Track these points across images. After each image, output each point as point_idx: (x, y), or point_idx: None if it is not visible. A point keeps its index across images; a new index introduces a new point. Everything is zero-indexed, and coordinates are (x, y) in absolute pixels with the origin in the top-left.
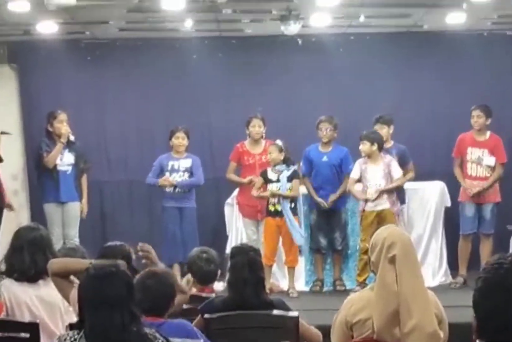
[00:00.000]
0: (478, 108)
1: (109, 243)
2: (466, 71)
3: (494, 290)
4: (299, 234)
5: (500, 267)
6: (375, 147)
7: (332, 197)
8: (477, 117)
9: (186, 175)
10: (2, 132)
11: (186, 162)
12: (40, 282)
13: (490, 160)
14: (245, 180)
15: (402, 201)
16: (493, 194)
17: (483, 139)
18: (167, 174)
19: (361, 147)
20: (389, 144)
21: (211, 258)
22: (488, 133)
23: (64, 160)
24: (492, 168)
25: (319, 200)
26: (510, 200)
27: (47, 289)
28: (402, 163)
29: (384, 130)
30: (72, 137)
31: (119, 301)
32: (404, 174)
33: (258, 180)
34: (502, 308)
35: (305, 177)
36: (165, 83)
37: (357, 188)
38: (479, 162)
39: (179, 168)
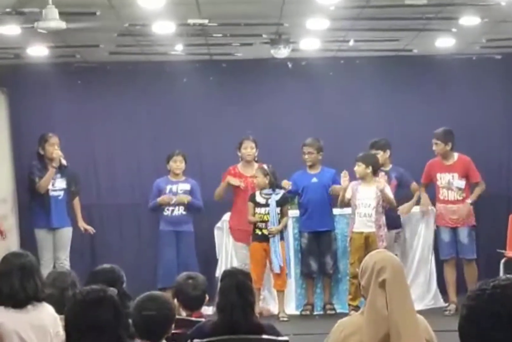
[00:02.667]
0: (435, 136)
1: (99, 267)
2: (455, 95)
3: (479, 317)
4: (278, 263)
5: (483, 293)
6: (369, 169)
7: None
8: (436, 146)
9: None
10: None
11: (184, 186)
12: (29, 307)
13: (460, 183)
14: (224, 183)
15: (397, 225)
16: (468, 217)
17: (452, 163)
18: None
19: (356, 168)
20: (387, 167)
21: (197, 284)
22: (456, 156)
23: (56, 186)
24: (464, 191)
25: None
26: (497, 224)
27: (37, 314)
28: (403, 186)
29: (379, 156)
30: (64, 162)
31: (106, 327)
32: (407, 195)
33: (249, 205)
34: (488, 335)
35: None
36: (155, 107)
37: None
38: (450, 187)
39: (177, 191)
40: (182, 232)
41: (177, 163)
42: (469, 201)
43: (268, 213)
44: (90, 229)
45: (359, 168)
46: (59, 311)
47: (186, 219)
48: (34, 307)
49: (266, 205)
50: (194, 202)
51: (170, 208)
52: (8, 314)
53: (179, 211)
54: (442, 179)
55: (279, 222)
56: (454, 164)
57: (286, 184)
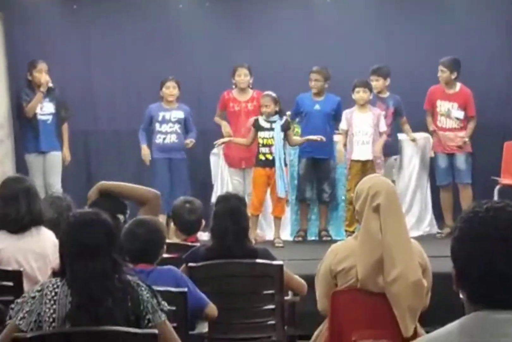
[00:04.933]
0: (441, 64)
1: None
2: (455, 21)
3: (471, 239)
4: (284, 187)
5: (475, 216)
6: (371, 96)
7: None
8: (441, 72)
9: (177, 126)
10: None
11: (177, 113)
12: (31, 232)
13: (459, 113)
14: (226, 138)
15: (396, 151)
16: (465, 144)
17: (453, 92)
18: (157, 124)
19: (360, 95)
20: (385, 94)
21: (194, 208)
22: (458, 86)
23: (45, 110)
24: (462, 121)
25: (315, 137)
26: (492, 152)
27: (38, 240)
28: (398, 114)
29: (380, 82)
30: (51, 84)
31: (99, 249)
32: (402, 125)
33: (252, 131)
34: (480, 257)
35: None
36: (152, 34)
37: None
38: (448, 115)
39: (171, 118)
40: (175, 159)
41: (170, 90)
42: (466, 139)
43: (273, 137)
44: (67, 160)
45: (365, 95)
46: (55, 235)
47: (178, 146)
48: (36, 232)
49: (271, 129)
50: (193, 136)
51: (162, 136)
52: (10, 240)
53: (171, 139)
54: (442, 106)
55: (283, 148)
56: (456, 94)
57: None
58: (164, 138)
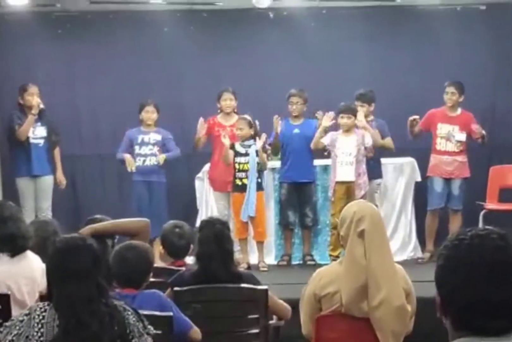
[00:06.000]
0: (453, 85)
1: (96, 216)
2: (438, 46)
3: (456, 267)
4: (247, 211)
5: (460, 243)
6: (355, 121)
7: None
8: (451, 94)
9: (156, 148)
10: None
11: (155, 136)
12: (19, 257)
13: (461, 136)
14: (201, 133)
15: (378, 175)
16: (463, 169)
17: (454, 115)
18: (137, 147)
19: (345, 121)
20: (369, 118)
21: (183, 233)
22: (459, 109)
23: (36, 133)
24: (462, 144)
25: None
26: (478, 176)
27: (27, 264)
28: (382, 137)
29: (364, 108)
30: (42, 106)
31: (85, 274)
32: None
33: (230, 153)
34: (465, 285)
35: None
36: (136, 57)
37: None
38: (448, 138)
39: (150, 141)
40: (154, 182)
41: (149, 114)
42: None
43: (248, 162)
44: (63, 184)
45: (349, 120)
46: (41, 259)
47: (158, 169)
48: (23, 257)
49: (246, 154)
50: (170, 156)
51: (142, 158)
52: (1, 265)
53: (151, 161)
54: (442, 129)
55: (258, 172)
56: (457, 117)
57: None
58: (144, 161)
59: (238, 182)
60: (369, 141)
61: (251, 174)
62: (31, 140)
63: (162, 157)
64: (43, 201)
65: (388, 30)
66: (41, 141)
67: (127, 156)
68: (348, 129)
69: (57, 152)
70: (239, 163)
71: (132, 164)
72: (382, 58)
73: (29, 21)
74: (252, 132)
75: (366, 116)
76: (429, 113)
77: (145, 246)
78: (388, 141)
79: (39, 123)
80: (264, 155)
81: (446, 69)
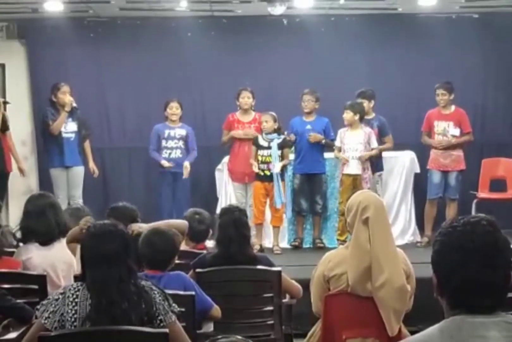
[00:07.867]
0: (441, 87)
1: (118, 204)
2: (435, 50)
3: (450, 252)
4: (280, 199)
5: (454, 230)
6: (357, 117)
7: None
8: (442, 95)
9: (181, 142)
10: (4, 102)
11: (181, 131)
12: (61, 240)
13: (455, 131)
14: (237, 133)
15: (380, 168)
16: (458, 162)
17: (448, 113)
18: (163, 141)
19: (344, 115)
20: (370, 116)
21: (203, 219)
22: (453, 107)
23: (68, 128)
24: (457, 138)
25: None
26: (471, 168)
27: (64, 249)
28: (382, 134)
29: (364, 104)
30: (74, 104)
31: (116, 257)
32: (382, 144)
33: (253, 149)
34: (458, 267)
35: None
36: (161, 59)
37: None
38: (445, 134)
39: (175, 135)
40: (179, 173)
41: (173, 110)
42: (453, 140)
43: (270, 155)
44: (96, 173)
45: (348, 115)
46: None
47: (182, 161)
48: (63, 243)
49: (269, 147)
50: (190, 160)
51: (168, 151)
52: (38, 251)
53: (176, 153)
54: (438, 126)
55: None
56: (451, 114)
57: (291, 137)
58: (170, 153)
59: (260, 173)
60: (374, 144)
61: (273, 165)
62: (63, 135)
63: (186, 168)
64: (75, 189)
65: (389, 36)
66: (72, 136)
67: (164, 162)
68: (351, 124)
69: (87, 145)
70: (262, 155)
71: (169, 167)
72: (383, 60)
73: (63, 26)
74: (275, 126)
75: (367, 113)
76: (427, 114)
77: (172, 231)
78: (388, 142)
79: (70, 119)
80: (287, 152)
81: (440, 71)
